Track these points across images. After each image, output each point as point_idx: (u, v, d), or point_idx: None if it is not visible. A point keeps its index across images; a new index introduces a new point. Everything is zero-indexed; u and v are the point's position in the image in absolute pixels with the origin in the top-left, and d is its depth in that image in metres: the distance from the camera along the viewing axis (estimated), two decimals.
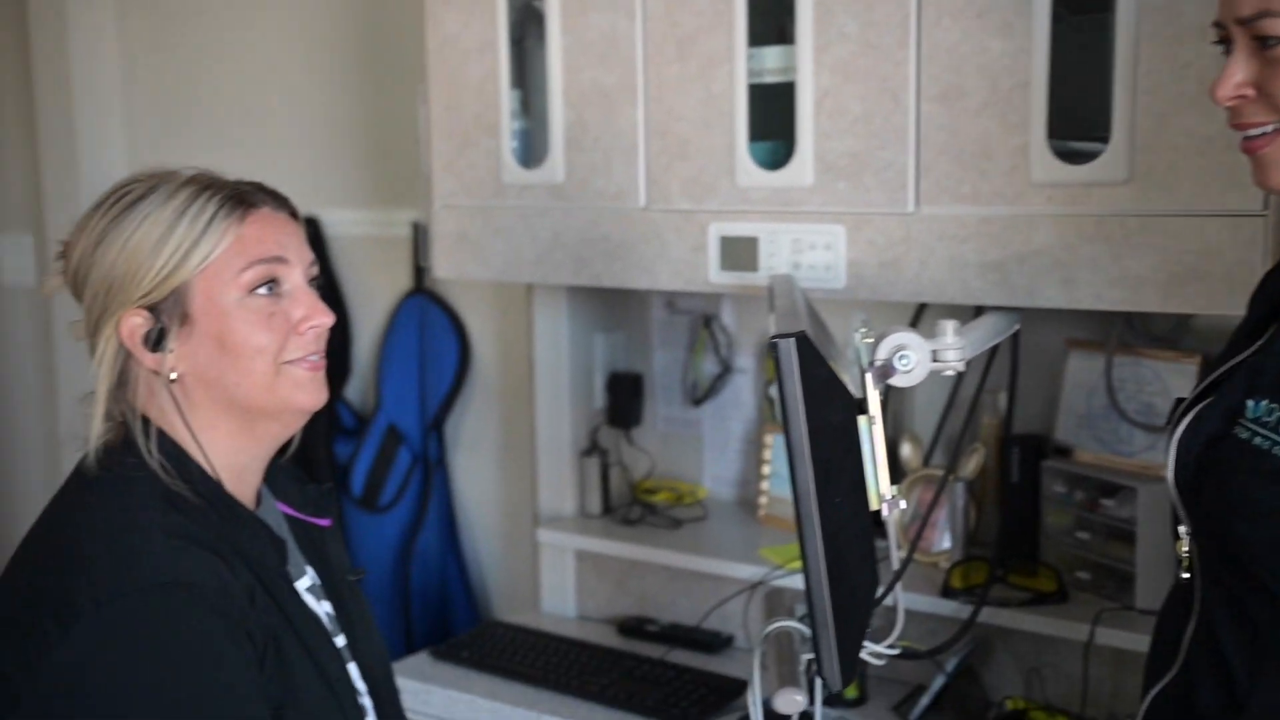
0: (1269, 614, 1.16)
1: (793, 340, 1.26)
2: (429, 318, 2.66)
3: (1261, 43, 1.12)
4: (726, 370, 2.32)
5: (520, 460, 2.58)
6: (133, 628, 1.19)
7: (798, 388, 1.26)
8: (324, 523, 1.50)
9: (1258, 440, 1.15)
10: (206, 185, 1.31)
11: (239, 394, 1.31)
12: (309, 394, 1.33)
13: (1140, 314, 1.92)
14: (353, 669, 1.41)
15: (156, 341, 1.29)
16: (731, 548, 2.17)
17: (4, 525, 3.25)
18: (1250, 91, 1.14)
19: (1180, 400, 1.29)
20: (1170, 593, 1.32)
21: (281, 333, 1.31)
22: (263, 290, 1.30)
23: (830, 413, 1.35)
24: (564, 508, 2.35)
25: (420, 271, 2.66)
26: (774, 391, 2.26)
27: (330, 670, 1.33)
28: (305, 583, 1.40)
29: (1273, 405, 1.15)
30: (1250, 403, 1.18)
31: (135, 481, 1.28)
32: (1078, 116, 1.67)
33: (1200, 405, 1.24)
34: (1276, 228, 1.55)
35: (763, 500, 2.26)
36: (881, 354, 1.43)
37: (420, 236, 2.63)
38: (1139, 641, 1.72)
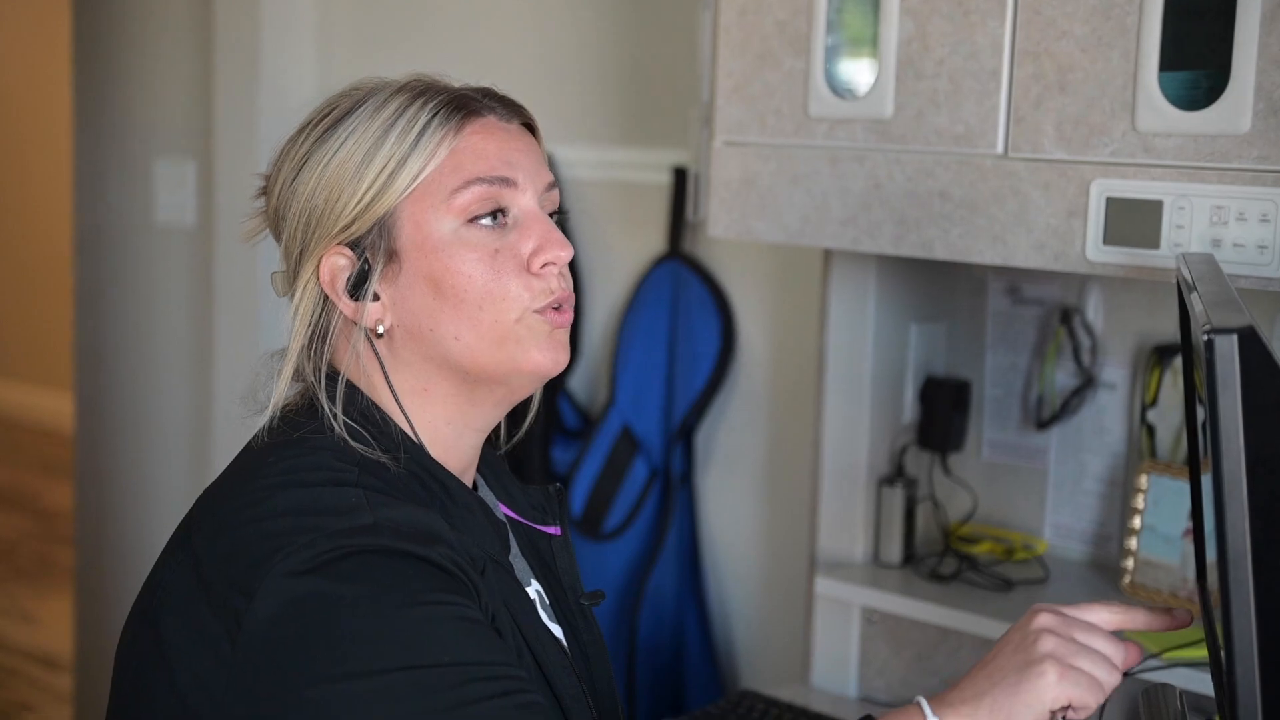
0: None
1: (1235, 336, 1.20)
2: (685, 291, 2.65)
3: None
4: (1088, 383, 2.25)
5: (795, 485, 2.56)
6: (332, 592, 1.20)
7: (1237, 401, 1.21)
8: (552, 531, 1.53)
9: None
10: (421, 91, 1.35)
11: (456, 350, 1.34)
12: (546, 352, 1.35)
13: None
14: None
15: (358, 285, 1.34)
16: None
17: (141, 534, 3.36)
18: None
19: None
20: None
21: (509, 272, 1.33)
22: (485, 220, 1.33)
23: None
24: (852, 552, 2.31)
25: (679, 231, 2.65)
26: (1156, 416, 2.18)
27: (568, 701, 1.35)
28: (530, 595, 1.42)
29: None
30: None
31: (322, 448, 1.31)
32: None
33: None
34: None
35: (1129, 564, 2.15)
36: None
37: (684, 186, 2.62)
38: None
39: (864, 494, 2.30)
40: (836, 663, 2.27)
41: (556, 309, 1.36)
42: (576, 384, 2.79)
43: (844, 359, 2.28)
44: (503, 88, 1.45)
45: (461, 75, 1.49)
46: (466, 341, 1.33)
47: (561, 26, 2.79)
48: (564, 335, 1.38)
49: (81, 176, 3.50)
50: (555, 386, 2.74)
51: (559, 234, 1.37)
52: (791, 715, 2.12)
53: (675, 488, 2.65)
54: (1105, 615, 1.30)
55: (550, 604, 1.47)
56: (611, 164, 2.74)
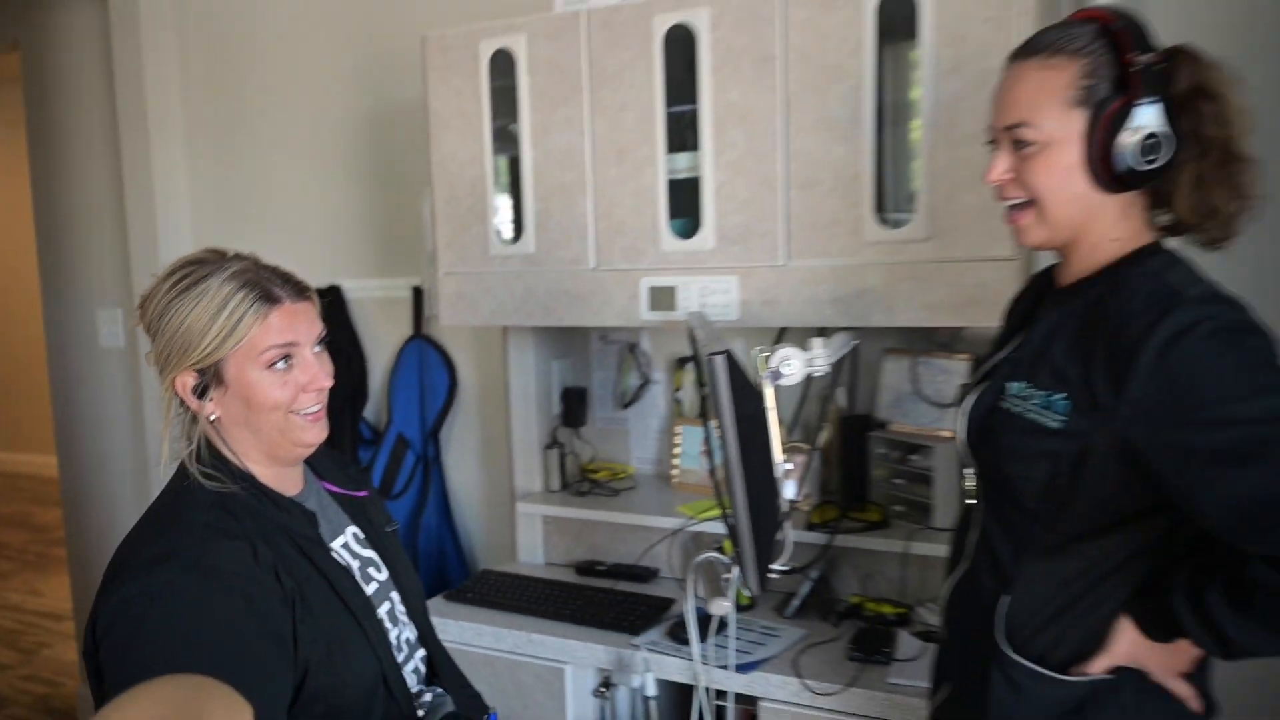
0: (1023, 522, 1.18)
1: (723, 356, 1.28)
2: (426, 355, 2.62)
3: (1017, 144, 1.15)
4: (646, 382, 2.30)
5: (498, 455, 2.55)
6: (159, 591, 1.11)
7: (727, 387, 1.28)
8: (362, 494, 1.43)
9: (1016, 409, 1.16)
10: (245, 282, 1.21)
11: (260, 435, 1.25)
12: (311, 434, 1.26)
13: (930, 328, 1.94)
14: (395, 596, 1.35)
15: (202, 392, 1.23)
16: (654, 506, 2.15)
17: (108, 537, 3.15)
18: (1010, 176, 1.16)
19: (964, 385, 1.31)
20: (960, 514, 1.33)
21: (291, 391, 1.24)
22: (280, 365, 1.22)
23: (746, 405, 1.37)
24: (533, 486, 2.30)
25: (419, 322, 2.60)
26: (681, 395, 2.26)
27: (354, 603, 1.25)
28: (342, 540, 1.32)
29: (1024, 385, 1.16)
30: (1010, 384, 1.18)
31: (191, 490, 1.22)
32: (894, 195, 1.71)
33: (979, 388, 1.24)
34: (1023, 268, 1.61)
35: (675, 473, 2.24)
36: (773, 363, 1.49)
37: (421, 297, 2.59)
38: (936, 550, 1.77)
39: (537, 454, 2.29)
40: (531, 547, 2.26)
41: (313, 412, 1.26)
42: (369, 413, 2.70)
43: (519, 382, 2.28)
44: (313, 252, 1.30)
45: (286, 245, 1.34)
46: (264, 430, 1.24)
47: (347, 216, 2.69)
48: (321, 423, 1.27)
49: (49, 318, 3.21)
50: (355, 417, 2.66)
51: (323, 369, 1.25)
52: (510, 579, 2.10)
53: (432, 465, 2.60)
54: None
55: (365, 539, 1.36)
56: (378, 287, 2.68)
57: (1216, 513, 1.03)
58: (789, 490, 2.00)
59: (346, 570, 1.28)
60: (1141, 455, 1.07)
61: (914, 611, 1.85)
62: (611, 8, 1.88)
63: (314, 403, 1.25)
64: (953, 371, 1.94)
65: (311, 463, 1.37)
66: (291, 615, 1.16)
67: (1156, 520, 1.13)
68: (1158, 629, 1.13)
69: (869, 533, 1.91)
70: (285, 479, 1.29)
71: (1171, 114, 1.12)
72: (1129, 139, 1.11)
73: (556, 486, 2.30)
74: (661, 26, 1.83)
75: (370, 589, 1.31)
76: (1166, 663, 1.17)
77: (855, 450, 2.00)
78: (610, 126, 1.90)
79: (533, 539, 2.27)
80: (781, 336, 2.06)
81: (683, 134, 1.86)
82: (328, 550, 1.27)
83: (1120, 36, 1.12)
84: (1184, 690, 1.18)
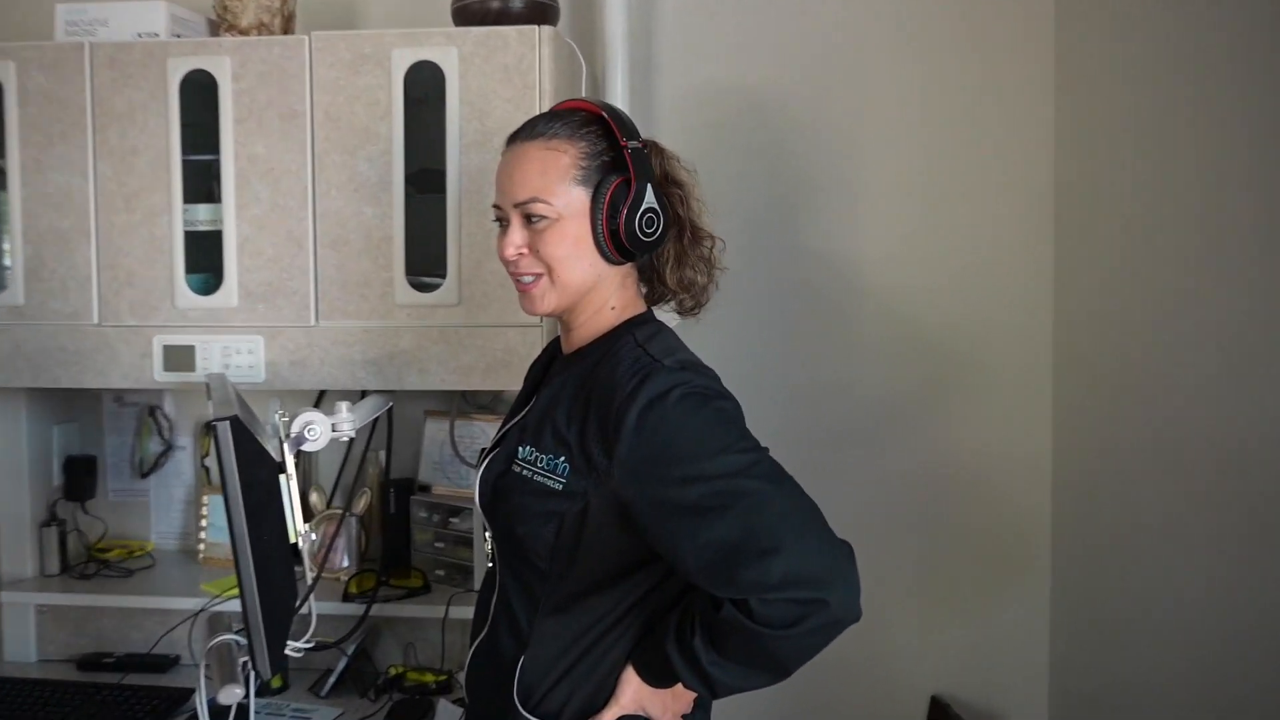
0: (536, 581, 1.16)
1: (228, 422, 1.19)
2: None
3: (530, 219, 1.12)
4: (169, 448, 2.03)
5: None
6: None
7: (233, 456, 1.18)
8: None
9: (525, 472, 1.14)
10: None
11: None
12: None
13: (470, 391, 1.92)
14: None
15: None
16: (176, 586, 1.88)
17: None
18: (525, 250, 1.14)
19: (483, 449, 1.28)
20: (485, 577, 1.28)
21: None
22: None
23: (258, 473, 1.26)
24: (24, 572, 1.91)
25: None
26: (209, 462, 2.02)
27: None
28: None
29: (532, 449, 1.14)
30: (520, 448, 1.16)
31: None
32: (425, 260, 1.66)
33: (493, 453, 1.21)
34: (547, 334, 1.62)
35: (202, 546, 1.99)
36: (295, 428, 1.37)
37: None
38: None
39: (30, 533, 1.90)
40: (21, 642, 1.88)
41: None
42: None
43: (7, 451, 1.87)
44: None
45: None
46: None
47: None
48: None
49: None
50: None
51: None
52: None
53: None
54: None
55: None
56: None
57: (692, 561, 1.04)
58: (343, 560, 1.82)
59: None
60: (631, 510, 1.07)
61: (454, 677, 1.74)
62: (121, 44, 1.66)
63: None
64: (490, 433, 1.90)
65: None
66: None
67: (651, 572, 1.14)
68: (657, 675, 1.13)
69: (410, 599, 1.80)
70: None
71: (658, 194, 1.16)
72: (630, 214, 1.13)
73: (55, 570, 1.94)
74: (177, 70, 1.63)
75: None
76: (669, 707, 1.16)
77: (397, 516, 1.91)
78: (118, 169, 1.67)
79: (23, 633, 1.92)
80: (321, 400, 1.91)
81: (204, 184, 1.70)
82: None
83: (612, 124, 1.15)
84: None
